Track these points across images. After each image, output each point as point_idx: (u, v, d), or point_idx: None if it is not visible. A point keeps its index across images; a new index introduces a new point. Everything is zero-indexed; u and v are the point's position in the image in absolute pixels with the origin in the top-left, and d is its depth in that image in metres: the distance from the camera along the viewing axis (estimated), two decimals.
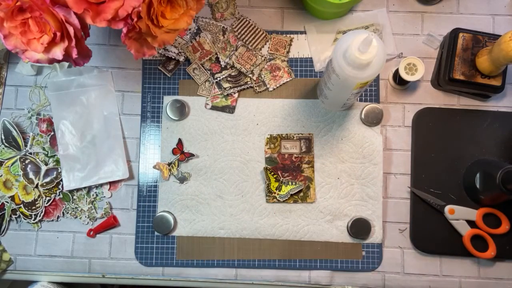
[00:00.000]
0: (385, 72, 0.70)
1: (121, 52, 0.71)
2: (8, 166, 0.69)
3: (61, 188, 0.69)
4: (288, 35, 0.71)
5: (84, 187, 0.69)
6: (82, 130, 0.69)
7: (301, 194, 0.68)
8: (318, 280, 0.67)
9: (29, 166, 0.68)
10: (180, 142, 0.69)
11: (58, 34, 0.51)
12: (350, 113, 0.69)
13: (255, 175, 0.68)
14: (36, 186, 0.68)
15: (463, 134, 0.68)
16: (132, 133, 0.70)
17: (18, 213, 0.68)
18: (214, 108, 0.70)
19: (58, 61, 0.54)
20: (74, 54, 0.53)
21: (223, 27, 0.71)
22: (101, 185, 0.69)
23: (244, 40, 0.71)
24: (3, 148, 0.69)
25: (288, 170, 0.68)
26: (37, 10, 0.50)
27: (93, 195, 0.69)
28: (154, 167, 0.68)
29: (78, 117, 0.69)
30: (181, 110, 0.69)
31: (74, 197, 0.69)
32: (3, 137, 0.69)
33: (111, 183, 0.69)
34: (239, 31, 0.71)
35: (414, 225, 0.67)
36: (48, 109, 0.70)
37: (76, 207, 0.69)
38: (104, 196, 0.69)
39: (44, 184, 0.68)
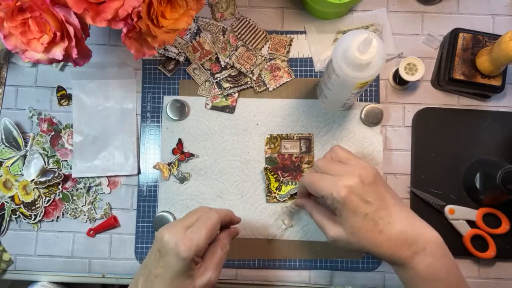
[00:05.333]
0: (385, 72, 0.70)
1: (121, 52, 0.71)
2: (8, 166, 0.69)
3: (60, 189, 0.69)
4: (288, 35, 0.71)
5: (85, 183, 0.68)
6: (98, 120, 0.69)
7: None
8: (318, 280, 0.67)
9: (35, 160, 0.68)
10: (180, 142, 0.69)
11: (58, 34, 0.51)
12: (350, 113, 0.69)
13: (255, 175, 0.68)
14: (32, 181, 0.68)
15: (463, 134, 0.68)
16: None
17: (18, 213, 0.68)
18: (214, 108, 0.70)
19: (58, 61, 0.54)
20: (74, 54, 0.53)
21: (223, 27, 0.71)
22: (104, 177, 0.69)
23: (244, 40, 0.71)
24: (3, 148, 0.69)
25: (288, 170, 0.68)
26: (37, 10, 0.50)
27: (92, 194, 0.69)
28: (154, 167, 0.68)
29: (96, 106, 0.70)
30: (181, 110, 0.69)
31: (74, 197, 0.69)
32: (3, 137, 0.69)
33: (110, 181, 0.69)
34: (239, 31, 0.71)
35: None
36: (48, 108, 0.70)
37: (75, 208, 0.69)
38: (104, 193, 0.69)
39: (38, 182, 0.68)
